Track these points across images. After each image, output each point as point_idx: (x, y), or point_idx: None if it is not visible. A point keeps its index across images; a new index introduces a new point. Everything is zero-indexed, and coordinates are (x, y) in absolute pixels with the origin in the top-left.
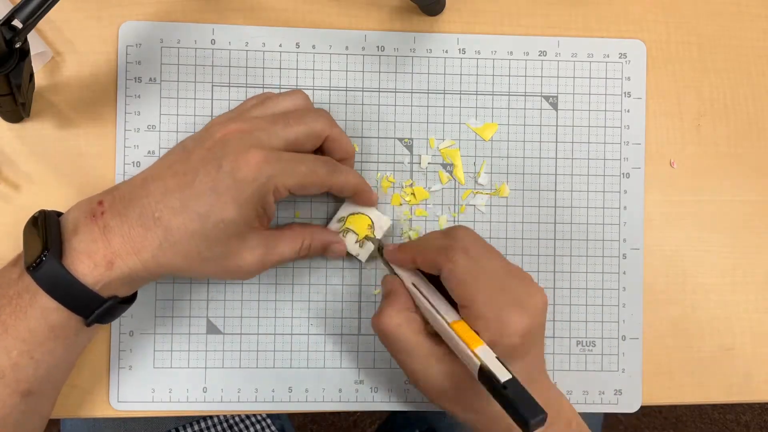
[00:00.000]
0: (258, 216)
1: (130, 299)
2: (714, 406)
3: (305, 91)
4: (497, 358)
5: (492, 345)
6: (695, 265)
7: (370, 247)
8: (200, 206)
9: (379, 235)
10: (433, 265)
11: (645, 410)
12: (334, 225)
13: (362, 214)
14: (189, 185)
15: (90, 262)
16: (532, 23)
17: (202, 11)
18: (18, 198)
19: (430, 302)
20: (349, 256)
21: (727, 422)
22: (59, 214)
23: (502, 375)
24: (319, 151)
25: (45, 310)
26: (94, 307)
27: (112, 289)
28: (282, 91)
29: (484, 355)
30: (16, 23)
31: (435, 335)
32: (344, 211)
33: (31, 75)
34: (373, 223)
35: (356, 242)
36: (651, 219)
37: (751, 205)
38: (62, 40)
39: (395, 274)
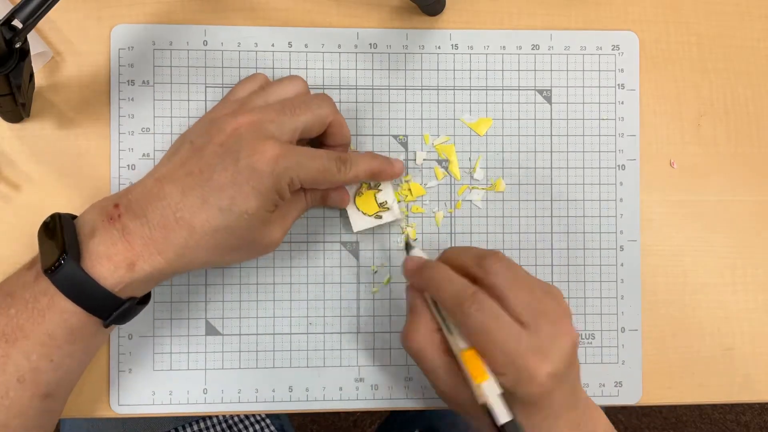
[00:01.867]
0: (276, 204)
1: (146, 299)
2: (714, 406)
3: None
4: (501, 394)
5: (509, 388)
6: (695, 265)
7: (393, 206)
8: (222, 200)
9: (388, 192)
10: (455, 298)
11: (645, 410)
12: (355, 219)
13: (361, 192)
14: (207, 181)
15: (110, 265)
16: (532, 23)
17: (203, 11)
18: (18, 198)
19: (445, 323)
20: (348, 259)
21: (727, 422)
22: (74, 216)
23: (502, 416)
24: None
25: (64, 312)
26: (112, 309)
27: (131, 290)
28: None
29: (489, 391)
30: (16, 23)
31: None
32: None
33: (31, 75)
34: (374, 189)
35: (372, 214)
36: (651, 219)
37: (751, 205)
38: (62, 40)
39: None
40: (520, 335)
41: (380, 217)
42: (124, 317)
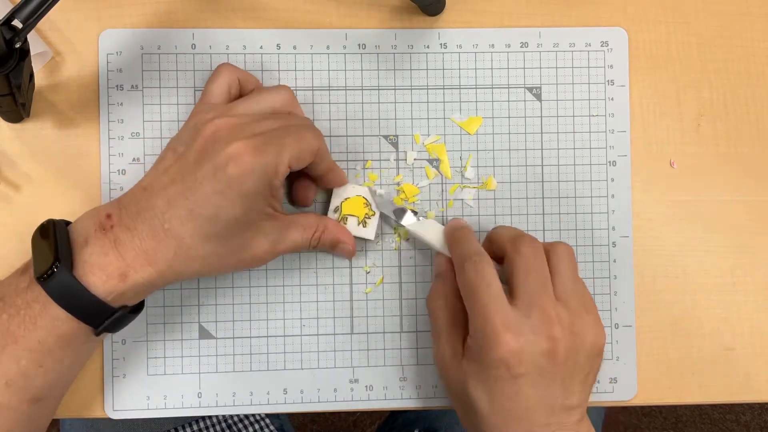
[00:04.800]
0: (268, 203)
1: (138, 308)
2: (714, 406)
3: None
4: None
5: (476, 350)
6: (695, 265)
7: (374, 222)
8: (207, 209)
9: (363, 233)
10: (462, 256)
11: (645, 410)
12: (330, 215)
13: (354, 196)
14: (190, 190)
15: (102, 274)
16: (533, 22)
17: (204, 10)
18: (18, 198)
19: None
20: (341, 260)
21: (727, 422)
22: (68, 223)
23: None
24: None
25: (55, 320)
26: (104, 317)
27: (123, 300)
28: None
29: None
30: (16, 23)
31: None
32: (336, 200)
33: (31, 75)
34: (367, 200)
35: (359, 224)
36: (651, 218)
37: (751, 205)
38: (62, 40)
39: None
40: (503, 308)
41: (364, 225)
42: (115, 326)
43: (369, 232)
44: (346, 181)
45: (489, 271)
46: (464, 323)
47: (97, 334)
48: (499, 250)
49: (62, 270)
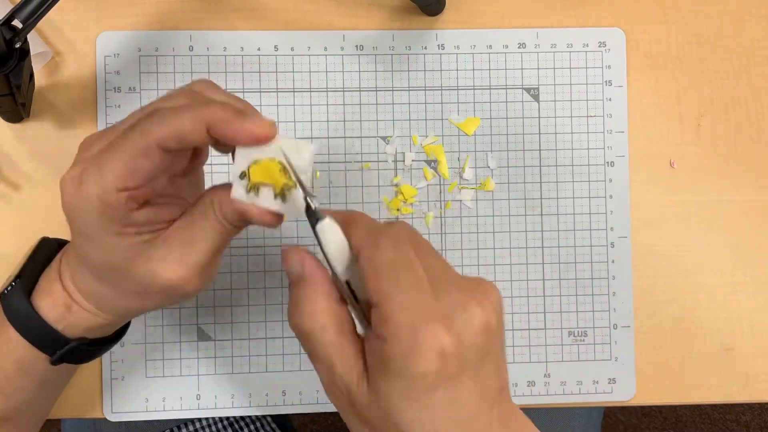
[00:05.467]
0: (132, 231)
1: (107, 340)
2: (714, 406)
3: (286, 94)
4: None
5: (399, 361)
6: (695, 265)
7: (297, 197)
8: (80, 252)
9: (303, 172)
10: (357, 244)
11: (645, 410)
12: (237, 187)
13: (266, 158)
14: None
15: (50, 301)
16: (533, 22)
17: (204, 10)
18: (18, 198)
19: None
20: None
21: (727, 422)
22: (64, 243)
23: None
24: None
25: (10, 342)
26: (57, 347)
27: (78, 331)
28: (262, 94)
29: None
30: (16, 23)
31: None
32: (241, 160)
33: (31, 75)
34: (286, 163)
35: (276, 197)
36: (651, 218)
37: (751, 205)
38: (62, 40)
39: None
40: (426, 300)
41: (282, 197)
42: (73, 357)
43: (289, 208)
44: (253, 133)
45: (406, 247)
46: (353, 330)
47: (53, 363)
48: (360, 242)
49: (17, 289)
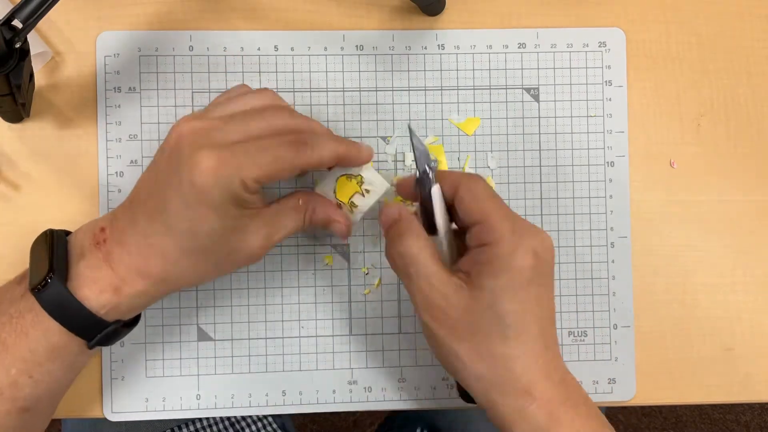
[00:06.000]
0: (244, 207)
1: (134, 321)
2: (714, 406)
3: (286, 95)
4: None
5: (506, 257)
6: (695, 265)
7: (356, 214)
8: (182, 224)
9: (372, 198)
10: (451, 185)
11: (645, 410)
12: (326, 186)
13: (349, 175)
14: (164, 204)
15: (96, 288)
16: (534, 22)
17: (204, 10)
18: (18, 198)
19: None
20: (339, 261)
21: (727, 422)
22: (68, 233)
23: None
24: None
25: (47, 331)
26: (97, 331)
27: (118, 314)
28: None
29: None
30: (16, 23)
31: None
32: (338, 170)
33: (31, 75)
34: (363, 182)
35: (351, 210)
36: (651, 219)
37: (751, 205)
38: (62, 41)
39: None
40: (519, 217)
41: (339, 207)
42: (108, 339)
43: (351, 217)
44: (365, 159)
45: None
46: (442, 259)
47: (90, 347)
48: (448, 184)
49: (55, 282)
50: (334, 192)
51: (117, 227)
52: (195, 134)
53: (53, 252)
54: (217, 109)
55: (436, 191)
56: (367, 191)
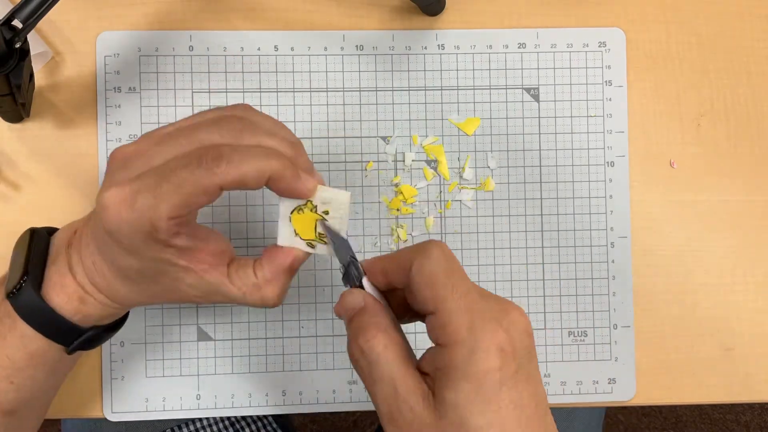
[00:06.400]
0: (169, 253)
1: (118, 324)
2: (714, 406)
3: (286, 95)
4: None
5: (463, 363)
6: (695, 265)
7: (325, 249)
8: (105, 254)
9: (338, 214)
10: (404, 265)
11: (645, 410)
12: (284, 231)
13: (298, 208)
14: (92, 230)
15: (64, 295)
16: (535, 22)
17: (204, 11)
18: (18, 198)
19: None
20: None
21: (727, 422)
22: (53, 231)
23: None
24: None
25: (24, 337)
26: (73, 337)
27: (92, 320)
28: (262, 94)
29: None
30: (16, 23)
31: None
32: (286, 206)
33: (31, 75)
34: (315, 206)
35: (309, 246)
36: (651, 219)
37: (751, 205)
38: (62, 40)
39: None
40: (478, 296)
41: (313, 247)
42: (89, 344)
43: (321, 249)
44: (304, 189)
45: (455, 258)
46: (412, 356)
47: (69, 353)
48: (400, 264)
49: (28, 287)
50: (296, 234)
51: (84, 233)
52: (116, 162)
53: (30, 254)
54: (167, 128)
55: (366, 284)
56: (326, 212)
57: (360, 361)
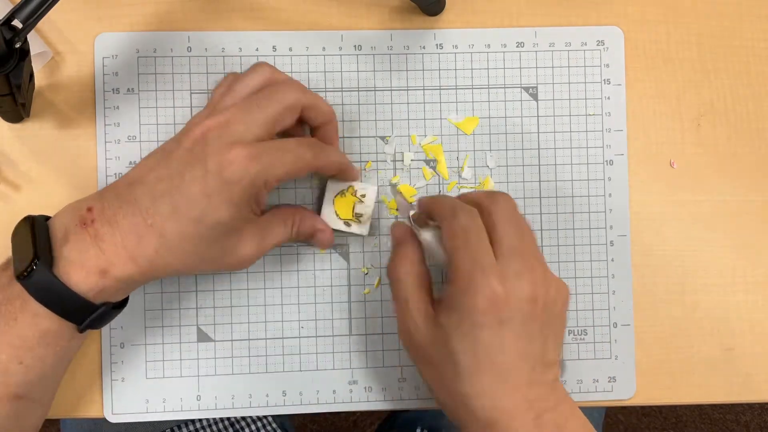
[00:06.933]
0: (252, 210)
1: (122, 304)
2: (714, 406)
3: None
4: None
5: (456, 297)
6: (695, 265)
7: (364, 222)
8: (193, 210)
9: (371, 201)
10: (452, 208)
11: (645, 410)
12: (327, 210)
13: (341, 192)
14: (177, 189)
15: (82, 271)
16: (535, 22)
17: (204, 11)
18: (18, 198)
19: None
20: (339, 261)
21: (727, 422)
22: (47, 218)
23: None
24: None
25: (36, 316)
26: (86, 314)
27: (106, 296)
28: None
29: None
30: (16, 23)
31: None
32: (330, 192)
33: (31, 75)
34: (357, 190)
35: (347, 224)
36: (651, 219)
37: (751, 205)
38: (62, 41)
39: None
40: (488, 256)
41: (349, 226)
42: (99, 322)
43: (360, 228)
44: (356, 178)
45: (479, 223)
46: (429, 287)
47: (81, 331)
48: (474, 203)
49: (41, 267)
50: (336, 215)
51: (109, 206)
52: (220, 128)
53: (36, 237)
54: (226, 100)
55: (423, 233)
56: (363, 196)
57: (391, 281)
